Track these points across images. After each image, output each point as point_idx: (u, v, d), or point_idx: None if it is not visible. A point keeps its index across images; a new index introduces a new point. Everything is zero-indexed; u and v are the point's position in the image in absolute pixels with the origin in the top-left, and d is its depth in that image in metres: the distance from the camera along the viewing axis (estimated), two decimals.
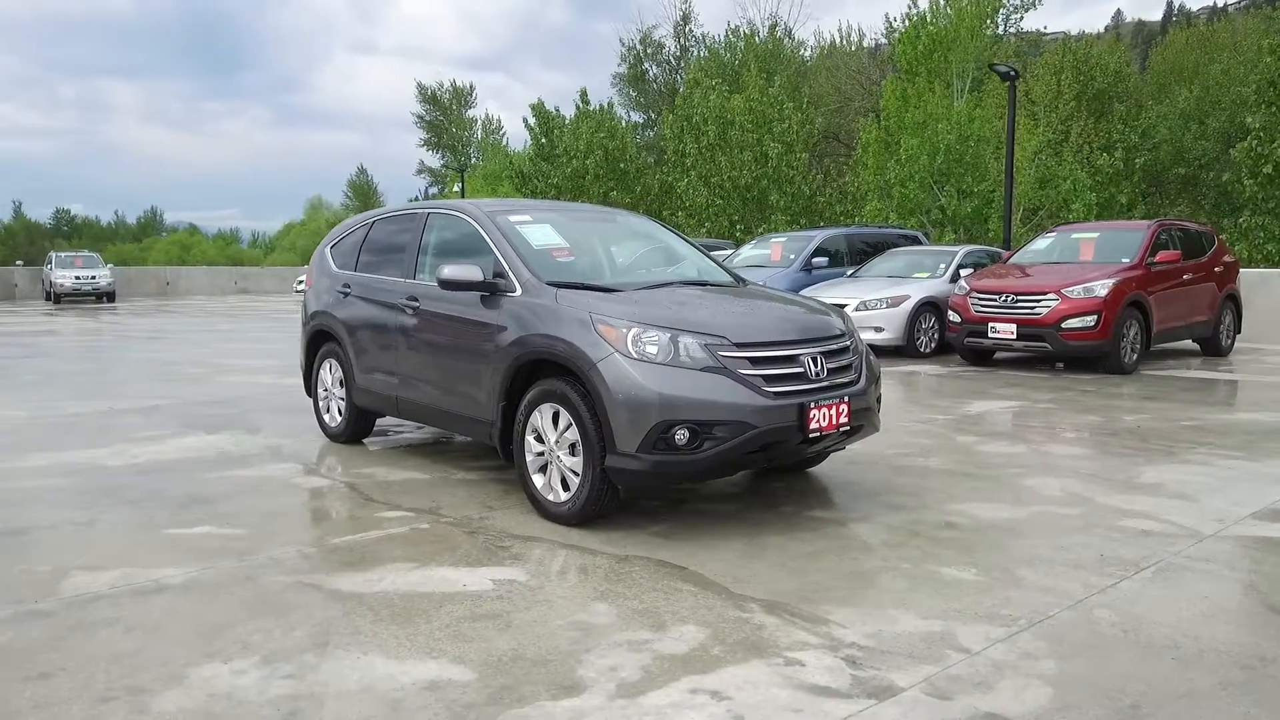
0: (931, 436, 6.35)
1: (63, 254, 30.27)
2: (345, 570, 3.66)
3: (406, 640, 2.98)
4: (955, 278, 11.63)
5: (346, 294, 5.90)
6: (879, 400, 4.67)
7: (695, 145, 27.71)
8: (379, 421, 6.36)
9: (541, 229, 5.04)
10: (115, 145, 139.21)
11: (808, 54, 39.77)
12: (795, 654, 2.87)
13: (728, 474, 4.58)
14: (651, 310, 4.19)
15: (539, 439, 4.29)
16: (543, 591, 3.43)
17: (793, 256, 13.90)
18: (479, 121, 64.09)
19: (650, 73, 47.78)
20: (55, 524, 4.31)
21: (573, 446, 4.11)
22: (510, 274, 4.62)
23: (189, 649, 2.93)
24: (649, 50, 47.57)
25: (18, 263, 42.80)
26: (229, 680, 2.71)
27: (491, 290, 4.62)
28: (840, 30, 48.75)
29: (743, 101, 27.01)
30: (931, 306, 11.51)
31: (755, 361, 4.01)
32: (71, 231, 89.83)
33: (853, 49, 37.88)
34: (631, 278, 4.90)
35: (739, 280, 5.36)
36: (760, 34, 37.07)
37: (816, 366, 4.16)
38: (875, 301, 11.38)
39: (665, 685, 2.67)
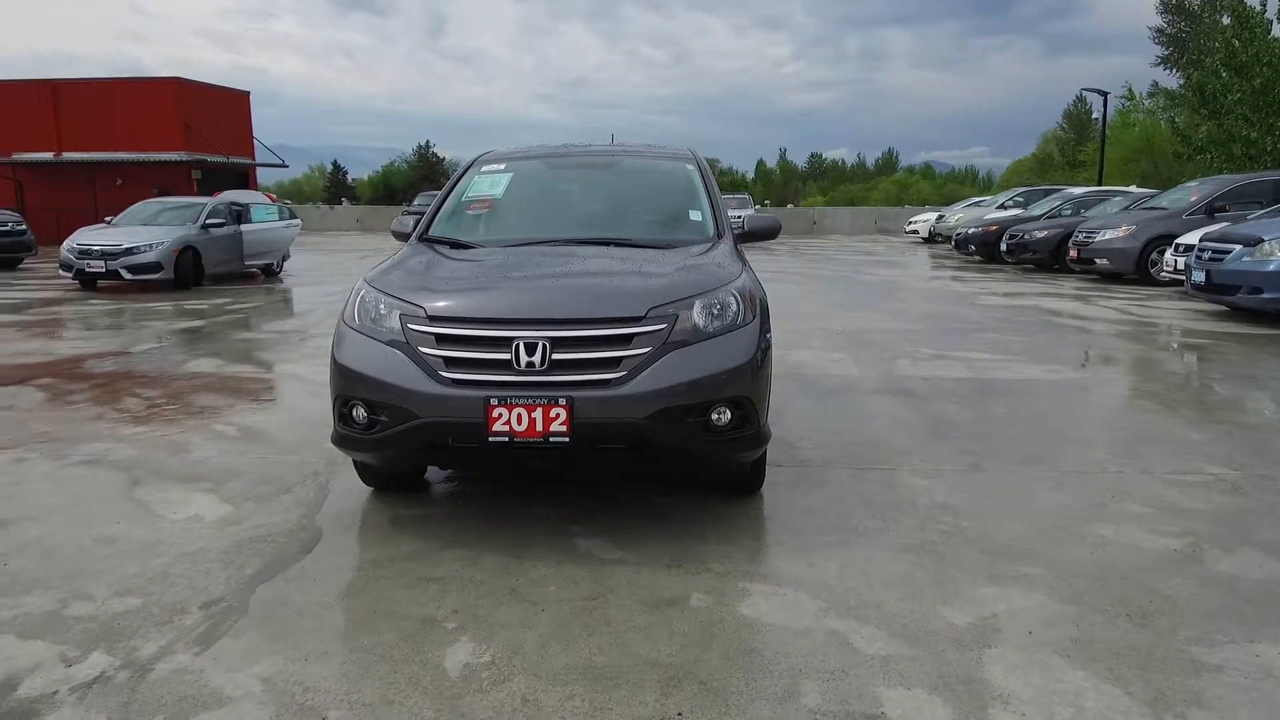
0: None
1: (724, 195, 35.11)
2: (190, 418, 4.65)
3: (30, 482, 3.87)
4: None
5: None
6: (727, 411, 3.19)
7: None
8: None
9: (495, 179, 4.71)
10: (886, 91, 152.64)
11: None
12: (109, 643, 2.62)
13: (426, 465, 3.89)
14: (418, 277, 3.69)
15: None
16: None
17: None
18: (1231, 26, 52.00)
19: None
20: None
21: None
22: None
23: None
24: None
25: None
26: None
27: None
28: None
29: None
30: None
31: (441, 340, 3.28)
32: (820, 174, 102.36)
33: None
34: (540, 233, 4.20)
35: (719, 238, 4.13)
36: None
37: (531, 355, 3.18)
38: None
39: None
